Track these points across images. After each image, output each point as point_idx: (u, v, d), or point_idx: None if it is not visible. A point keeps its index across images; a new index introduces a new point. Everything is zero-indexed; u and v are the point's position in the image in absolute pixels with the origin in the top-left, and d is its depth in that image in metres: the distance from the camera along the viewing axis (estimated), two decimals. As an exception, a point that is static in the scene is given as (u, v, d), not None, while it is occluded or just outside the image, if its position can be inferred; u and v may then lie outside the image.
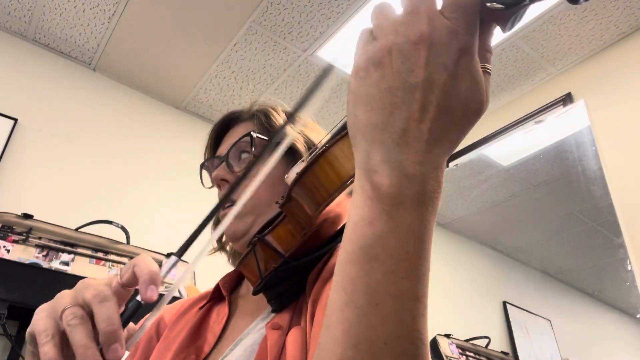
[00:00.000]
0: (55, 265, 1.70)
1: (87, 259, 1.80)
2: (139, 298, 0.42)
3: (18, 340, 1.67)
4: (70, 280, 1.64)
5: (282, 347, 0.54)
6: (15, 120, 2.07)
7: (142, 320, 0.46)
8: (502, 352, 3.29)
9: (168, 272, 0.44)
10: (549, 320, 3.89)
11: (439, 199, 0.34)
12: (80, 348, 0.38)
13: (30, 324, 0.43)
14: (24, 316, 1.67)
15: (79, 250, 1.80)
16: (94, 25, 2.18)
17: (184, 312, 0.76)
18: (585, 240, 3.51)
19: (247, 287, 0.75)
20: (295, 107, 0.50)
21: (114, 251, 1.89)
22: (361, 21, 2.07)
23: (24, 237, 1.70)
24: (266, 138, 0.73)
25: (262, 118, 0.75)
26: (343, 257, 0.35)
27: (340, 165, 0.48)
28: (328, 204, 0.51)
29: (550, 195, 2.94)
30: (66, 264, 1.73)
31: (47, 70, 2.29)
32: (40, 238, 1.75)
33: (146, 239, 2.04)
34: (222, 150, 0.77)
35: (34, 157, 2.10)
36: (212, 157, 0.79)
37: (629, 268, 1.81)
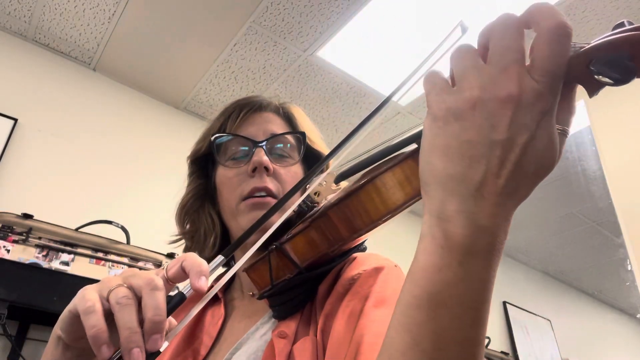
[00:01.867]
0: (55, 265, 1.70)
1: (87, 259, 1.80)
2: (184, 291, 0.42)
3: (18, 340, 1.67)
4: (70, 281, 1.64)
5: (289, 356, 0.54)
6: (15, 120, 2.08)
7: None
8: (502, 352, 3.29)
9: (215, 269, 0.45)
10: (549, 320, 3.89)
11: (503, 248, 0.36)
12: (127, 330, 0.38)
13: (71, 302, 0.43)
14: (24, 316, 1.67)
15: (79, 250, 1.80)
16: (94, 25, 2.18)
17: (176, 314, 0.75)
18: (585, 240, 3.51)
19: (241, 289, 0.74)
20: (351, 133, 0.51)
21: (114, 251, 1.89)
22: (361, 21, 2.07)
23: (24, 237, 1.70)
24: (312, 145, 0.73)
25: (291, 119, 0.75)
26: (408, 300, 0.36)
27: (388, 194, 0.46)
28: (368, 231, 0.50)
29: (550, 195, 2.94)
30: (66, 264, 1.73)
31: (47, 70, 2.29)
32: (40, 238, 1.75)
33: (146, 239, 2.04)
34: (255, 133, 0.71)
35: (34, 157, 2.10)
36: (242, 137, 0.71)
37: (629, 268, 1.81)
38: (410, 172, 0.44)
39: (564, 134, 0.37)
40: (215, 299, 0.73)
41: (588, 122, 2.10)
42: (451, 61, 0.37)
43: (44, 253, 1.71)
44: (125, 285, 0.41)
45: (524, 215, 3.27)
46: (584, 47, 0.35)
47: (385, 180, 0.46)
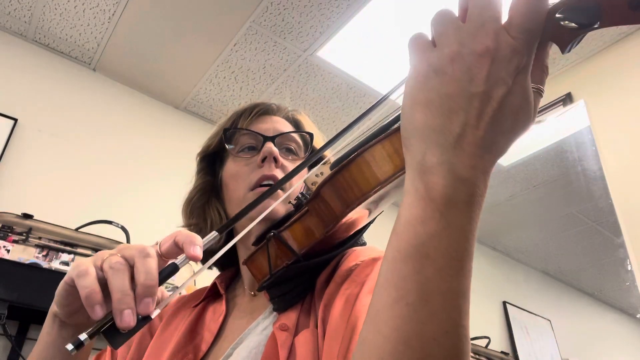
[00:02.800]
0: (55, 265, 1.70)
1: (87, 259, 1.80)
2: (176, 261, 0.44)
3: (18, 340, 1.67)
4: (70, 280, 1.64)
5: (290, 348, 0.54)
6: (15, 120, 2.08)
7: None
8: (502, 352, 3.29)
9: (208, 243, 0.46)
10: (549, 320, 3.89)
11: (484, 201, 0.36)
12: (118, 292, 0.40)
13: (67, 274, 0.45)
14: (24, 316, 1.67)
15: (79, 250, 1.80)
16: (94, 25, 2.18)
17: (177, 311, 0.75)
18: (585, 240, 3.51)
19: (244, 286, 0.74)
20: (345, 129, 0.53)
21: (114, 251, 1.89)
22: (361, 21, 2.07)
23: (24, 237, 1.70)
24: (314, 148, 0.76)
25: (299, 125, 0.79)
26: (393, 255, 0.37)
27: (378, 166, 0.47)
28: (359, 204, 0.51)
29: (550, 195, 2.94)
30: (66, 264, 1.73)
31: (47, 70, 2.29)
32: (40, 238, 1.75)
33: (146, 239, 2.03)
34: (264, 129, 0.74)
35: (34, 157, 2.10)
36: (253, 132, 0.74)
37: (629, 268, 1.81)
38: (399, 145, 0.44)
39: (539, 92, 0.38)
40: (217, 296, 0.74)
41: (588, 122, 2.10)
42: (431, 25, 0.39)
43: (44, 253, 1.71)
44: (119, 254, 0.43)
45: (524, 215, 3.27)
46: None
47: (374, 153, 0.47)
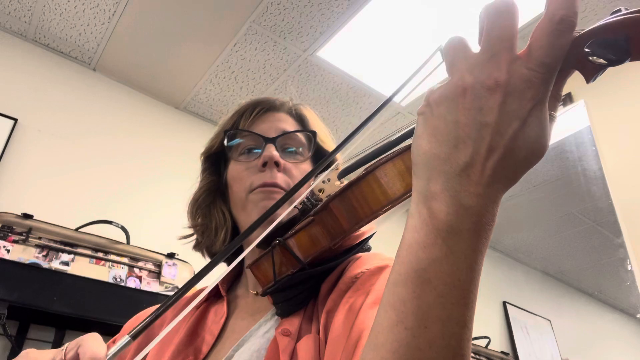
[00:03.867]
0: (55, 265, 1.70)
1: (87, 259, 1.80)
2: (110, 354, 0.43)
3: (18, 340, 1.67)
4: (70, 281, 1.64)
5: (292, 354, 0.54)
6: (15, 120, 2.08)
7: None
8: (502, 352, 3.29)
9: (117, 353, 0.44)
10: (549, 320, 3.89)
11: (492, 231, 0.36)
12: None
13: None
14: (24, 316, 1.67)
15: (79, 250, 1.80)
16: (94, 25, 2.18)
17: (177, 313, 0.75)
18: (585, 240, 3.51)
19: (246, 287, 0.74)
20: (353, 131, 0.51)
21: (114, 251, 1.89)
22: (361, 21, 2.07)
23: (24, 237, 1.70)
24: (321, 144, 0.74)
25: (303, 120, 0.76)
26: (395, 278, 0.36)
27: (389, 185, 0.47)
28: (369, 222, 0.50)
29: (550, 195, 2.94)
30: (66, 264, 1.73)
31: (47, 70, 2.29)
32: (40, 238, 1.75)
33: (146, 239, 2.04)
34: (265, 129, 0.72)
35: (34, 157, 2.10)
36: (254, 133, 0.72)
37: (629, 268, 1.81)
38: (410, 163, 0.44)
39: (552, 118, 0.37)
40: (218, 298, 0.73)
41: (588, 122, 2.10)
42: (443, 56, 0.38)
43: (44, 253, 1.71)
44: None
45: (524, 215, 3.27)
46: (580, 31, 0.35)
47: (386, 171, 0.47)
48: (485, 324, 3.34)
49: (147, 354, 0.68)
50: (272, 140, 0.70)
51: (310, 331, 0.56)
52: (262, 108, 0.75)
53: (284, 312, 0.60)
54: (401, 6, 2.00)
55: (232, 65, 2.34)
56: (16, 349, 1.62)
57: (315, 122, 0.77)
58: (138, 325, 0.42)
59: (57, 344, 1.71)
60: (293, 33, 2.14)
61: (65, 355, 0.45)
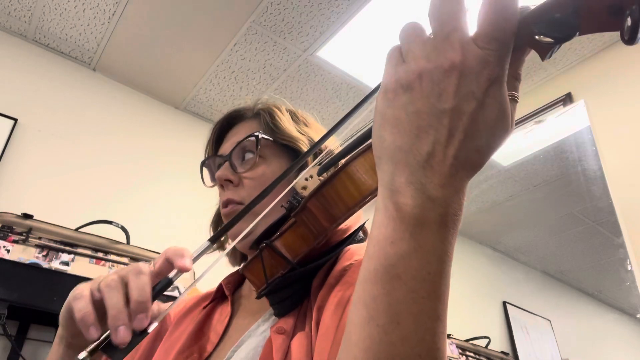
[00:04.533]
0: (55, 265, 1.70)
1: (87, 259, 1.80)
2: (171, 275, 0.45)
3: (18, 340, 1.67)
4: (70, 280, 1.64)
5: (287, 352, 0.54)
6: (15, 120, 2.08)
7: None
8: (502, 352, 3.29)
9: (200, 255, 0.47)
10: (549, 320, 3.89)
11: (460, 221, 0.35)
12: (113, 309, 0.41)
13: (67, 300, 0.47)
14: (24, 316, 1.67)
15: (79, 250, 1.80)
16: (94, 25, 2.18)
17: (187, 312, 0.76)
18: (585, 240, 3.51)
19: (249, 287, 0.75)
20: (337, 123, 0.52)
21: (114, 251, 1.89)
22: (361, 21, 2.07)
23: (24, 237, 1.70)
24: (271, 139, 0.72)
25: (267, 118, 0.74)
26: (365, 275, 0.36)
27: (361, 180, 0.47)
28: (347, 218, 0.50)
29: (550, 195, 2.94)
30: (66, 264, 1.73)
31: (47, 70, 2.29)
32: (40, 238, 1.75)
33: (146, 239, 2.04)
34: (226, 149, 0.75)
35: (34, 157, 2.10)
36: (214, 155, 0.77)
37: (629, 268, 1.81)
38: None
39: (513, 99, 0.36)
40: (224, 298, 0.74)
41: (588, 122, 2.10)
42: (399, 38, 0.37)
43: (44, 253, 1.71)
44: (115, 274, 0.45)
45: (524, 215, 3.27)
46: (528, 8, 0.34)
47: (357, 167, 0.46)
48: (485, 324, 3.34)
49: (155, 352, 0.69)
50: (224, 159, 0.73)
51: (304, 328, 0.57)
52: (217, 129, 0.79)
53: (280, 312, 0.61)
54: (401, 6, 2.00)
55: (232, 65, 2.34)
56: (16, 349, 1.62)
57: (282, 117, 0.75)
58: (218, 231, 0.48)
59: (57, 344, 1.71)
60: (293, 33, 2.14)
61: (154, 266, 0.47)
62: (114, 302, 0.42)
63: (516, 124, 2.39)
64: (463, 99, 0.32)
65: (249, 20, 2.09)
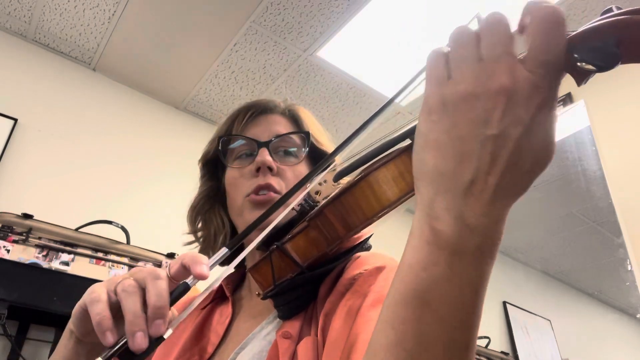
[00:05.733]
0: (55, 265, 1.70)
1: (87, 259, 1.80)
2: (188, 280, 0.45)
3: (18, 340, 1.67)
4: (70, 281, 1.64)
5: (293, 356, 0.54)
6: (15, 120, 2.08)
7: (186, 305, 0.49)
8: (502, 352, 3.29)
9: (217, 262, 0.46)
10: (549, 320, 3.89)
11: (497, 250, 0.34)
12: (131, 314, 0.40)
13: (81, 299, 0.46)
14: (24, 316, 1.67)
15: (79, 250, 1.80)
16: (94, 25, 2.18)
17: (184, 320, 0.75)
18: (585, 240, 3.51)
19: (249, 288, 0.74)
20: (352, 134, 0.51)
21: (114, 251, 1.89)
22: (361, 21, 2.07)
23: (24, 237, 1.70)
24: (315, 143, 0.73)
25: (298, 120, 0.75)
26: (395, 297, 0.35)
27: (382, 191, 0.46)
28: (363, 228, 0.50)
29: (550, 195, 2.94)
30: (66, 264, 1.73)
31: (47, 70, 2.29)
32: (40, 238, 1.75)
33: (146, 239, 2.04)
34: (259, 133, 0.72)
35: (34, 157, 2.10)
36: (246, 137, 0.72)
37: (629, 268, 1.81)
38: (404, 168, 0.43)
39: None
40: (224, 299, 0.74)
41: (588, 122, 2.10)
42: (450, 44, 0.36)
43: (44, 253, 1.71)
44: (131, 278, 0.44)
45: (524, 215, 3.26)
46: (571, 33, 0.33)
47: (378, 177, 0.46)
48: (485, 324, 3.34)
49: (154, 353, 0.69)
50: (266, 144, 0.69)
51: (309, 333, 0.56)
52: (254, 111, 0.74)
53: (285, 315, 0.60)
54: (401, 6, 2.00)
55: (232, 65, 2.34)
56: (16, 349, 1.62)
57: (310, 122, 0.76)
58: (235, 238, 0.47)
59: (57, 344, 1.71)
60: (293, 33, 2.14)
61: (169, 270, 0.46)
62: (131, 307, 0.41)
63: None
64: (510, 125, 0.32)
65: (249, 20, 2.09)
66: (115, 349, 0.41)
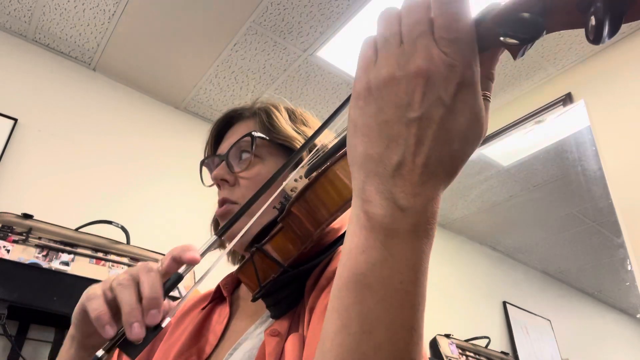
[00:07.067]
0: (55, 265, 1.70)
1: (87, 259, 1.80)
2: (180, 271, 0.47)
3: (18, 340, 1.67)
4: (70, 281, 1.64)
5: (281, 354, 0.54)
6: (15, 120, 2.08)
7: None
8: (502, 352, 3.29)
9: (208, 250, 0.49)
10: (549, 320, 3.89)
11: (434, 230, 0.34)
12: (127, 306, 0.43)
13: (79, 301, 0.49)
14: (24, 316, 1.67)
15: (79, 250, 1.80)
16: (94, 25, 2.18)
17: (186, 313, 0.76)
18: (585, 240, 3.51)
19: (246, 288, 0.75)
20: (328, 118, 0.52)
21: (114, 251, 1.89)
22: (361, 21, 2.07)
23: (24, 237, 1.70)
24: (267, 138, 0.71)
25: (263, 117, 0.73)
26: (338, 283, 0.35)
27: (343, 184, 0.46)
28: (330, 222, 0.50)
29: (550, 195, 2.94)
30: (66, 264, 1.73)
31: (47, 70, 2.29)
32: (40, 238, 1.75)
33: (146, 239, 2.04)
34: (223, 148, 0.75)
35: (34, 157, 2.10)
36: (213, 155, 0.77)
37: (629, 268, 1.81)
38: None
39: (486, 99, 0.35)
40: (222, 299, 0.74)
41: (588, 122, 2.10)
42: (377, 26, 0.36)
43: (44, 253, 1.71)
44: (127, 273, 0.47)
45: (524, 215, 3.27)
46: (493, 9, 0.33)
47: (338, 171, 0.46)
48: (485, 324, 3.34)
49: (154, 353, 0.69)
50: (219, 160, 0.74)
51: (297, 330, 0.57)
52: (215, 129, 0.79)
53: (276, 314, 0.61)
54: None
55: (232, 65, 2.34)
56: (16, 349, 1.62)
57: (280, 115, 0.74)
58: (222, 227, 0.50)
59: (57, 344, 1.71)
60: (293, 33, 2.14)
61: (161, 265, 0.48)
62: (126, 299, 0.43)
63: (516, 124, 2.39)
64: (431, 106, 0.32)
65: (249, 20, 2.09)
66: (114, 340, 0.43)
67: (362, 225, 0.34)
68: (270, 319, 0.62)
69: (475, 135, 0.33)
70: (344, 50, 2.22)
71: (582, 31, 0.30)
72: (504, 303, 3.62)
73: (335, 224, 0.62)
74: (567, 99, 2.21)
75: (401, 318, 0.33)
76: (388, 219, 0.33)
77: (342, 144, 0.51)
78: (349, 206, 0.46)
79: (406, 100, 0.32)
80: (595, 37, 0.28)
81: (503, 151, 2.61)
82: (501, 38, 0.32)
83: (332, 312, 0.35)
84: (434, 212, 0.34)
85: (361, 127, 0.35)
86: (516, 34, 0.31)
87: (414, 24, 0.33)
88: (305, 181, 0.57)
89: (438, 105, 0.32)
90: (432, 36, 0.32)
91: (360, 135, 0.35)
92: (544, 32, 0.31)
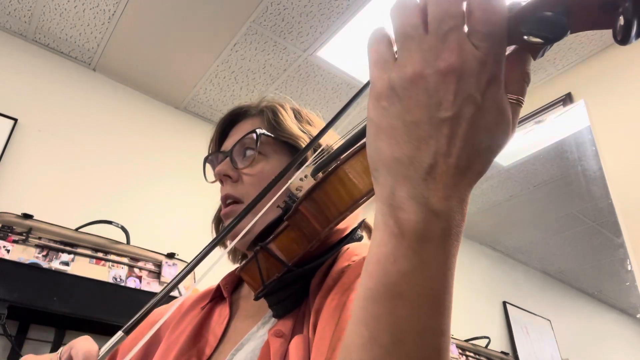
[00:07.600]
0: (55, 265, 1.70)
1: (87, 259, 1.80)
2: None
3: (18, 340, 1.67)
4: (70, 281, 1.64)
5: (285, 355, 0.53)
6: (15, 120, 2.08)
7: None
8: (502, 352, 3.29)
9: (110, 350, 0.44)
10: (549, 320, 3.89)
11: (462, 231, 0.33)
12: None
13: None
14: (24, 316, 1.67)
15: (79, 250, 1.80)
16: (94, 25, 2.18)
17: (186, 312, 0.75)
18: (585, 240, 3.51)
19: (248, 288, 0.74)
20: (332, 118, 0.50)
21: (114, 251, 1.89)
22: (361, 21, 2.07)
23: (24, 237, 1.70)
24: (272, 135, 0.71)
25: (269, 115, 0.73)
26: (364, 294, 0.34)
27: (353, 183, 0.45)
28: (338, 222, 0.49)
29: (550, 195, 2.94)
30: (66, 264, 1.73)
31: (47, 70, 2.29)
32: (40, 238, 1.75)
33: (146, 239, 2.04)
34: (228, 145, 0.75)
35: (34, 157, 2.10)
36: (217, 151, 0.77)
37: (629, 268, 1.81)
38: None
39: (518, 103, 0.34)
40: (222, 298, 0.74)
41: (588, 122, 2.10)
42: (392, 21, 0.34)
43: (44, 253, 1.71)
44: None
45: (524, 215, 3.27)
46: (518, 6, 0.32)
47: (348, 170, 0.45)
48: (485, 324, 3.34)
49: (152, 356, 0.69)
50: (221, 155, 0.73)
51: (302, 331, 0.56)
52: (220, 126, 0.78)
53: (279, 313, 0.60)
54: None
55: (232, 65, 2.34)
56: (16, 349, 1.62)
57: (285, 114, 0.74)
58: (131, 321, 0.43)
59: (57, 344, 1.71)
60: (293, 33, 2.14)
61: (60, 358, 0.46)
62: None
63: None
64: (463, 105, 0.31)
65: (249, 20, 2.09)
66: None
67: (391, 233, 0.33)
68: (273, 319, 0.62)
69: (502, 133, 0.32)
70: (344, 50, 2.22)
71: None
72: (504, 303, 3.62)
73: (341, 225, 0.62)
74: (567, 99, 2.21)
75: (433, 324, 0.32)
76: (421, 224, 0.31)
77: (349, 144, 0.50)
78: (358, 206, 0.46)
79: (436, 99, 0.31)
80: (623, 38, 0.28)
81: (503, 151, 2.60)
82: (525, 37, 0.32)
83: (358, 324, 0.34)
84: (464, 213, 0.33)
85: (386, 128, 0.33)
86: (540, 32, 0.31)
87: (445, 16, 0.31)
88: (311, 180, 0.57)
89: (469, 103, 0.31)
90: (463, 29, 0.31)
91: (385, 138, 0.33)
92: (569, 32, 0.31)
